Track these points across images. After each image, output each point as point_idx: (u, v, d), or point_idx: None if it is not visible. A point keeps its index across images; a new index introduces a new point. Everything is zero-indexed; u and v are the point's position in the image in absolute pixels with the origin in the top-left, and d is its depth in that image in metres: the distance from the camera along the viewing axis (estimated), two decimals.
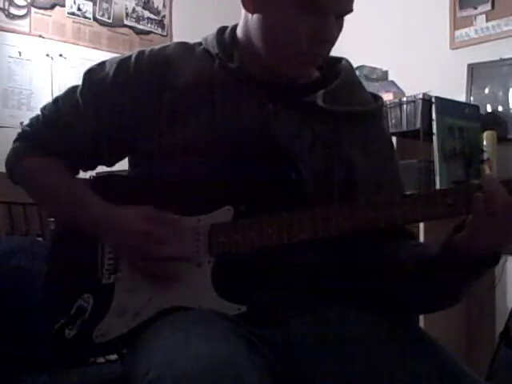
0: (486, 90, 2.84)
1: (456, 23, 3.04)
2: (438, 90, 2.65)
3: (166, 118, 1.14)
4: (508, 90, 2.78)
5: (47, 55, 3.14)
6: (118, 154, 1.23)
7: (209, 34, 1.22)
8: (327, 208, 1.03)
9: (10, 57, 3.04)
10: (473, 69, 2.87)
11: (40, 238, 2.23)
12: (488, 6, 2.92)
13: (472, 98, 2.86)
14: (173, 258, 1.09)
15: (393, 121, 2.63)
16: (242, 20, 1.17)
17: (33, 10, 3.12)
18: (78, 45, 3.26)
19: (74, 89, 1.23)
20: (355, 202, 1.04)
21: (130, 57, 1.20)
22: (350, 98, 1.20)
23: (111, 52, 3.22)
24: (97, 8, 3.35)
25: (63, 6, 3.23)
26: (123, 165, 1.26)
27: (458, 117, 2.57)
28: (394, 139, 2.27)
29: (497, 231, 0.96)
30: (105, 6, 3.37)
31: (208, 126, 1.12)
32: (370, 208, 1.01)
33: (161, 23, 3.60)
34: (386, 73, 3.19)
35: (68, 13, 3.25)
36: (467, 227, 0.98)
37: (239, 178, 1.09)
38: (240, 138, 1.11)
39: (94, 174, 1.29)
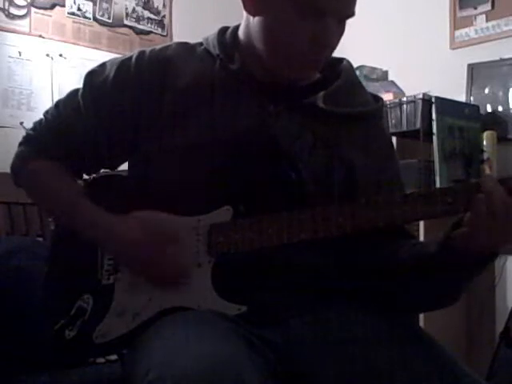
0: (486, 90, 2.84)
1: (456, 23, 3.04)
2: (437, 90, 2.64)
3: (167, 118, 1.14)
4: (508, 90, 2.78)
5: (47, 55, 3.13)
6: (119, 155, 1.22)
7: (210, 35, 1.22)
8: (327, 208, 1.03)
9: (10, 57, 3.04)
10: (473, 69, 2.87)
11: (40, 238, 2.23)
12: (488, 6, 2.92)
13: (472, 98, 2.85)
14: (173, 266, 1.09)
15: (393, 121, 2.63)
16: (244, 22, 1.17)
17: (33, 10, 3.12)
18: (78, 45, 3.25)
19: (75, 92, 1.23)
20: (355, 202, 1.04)
21: (130, 57, 1.20)
22: (351, 98, 1.20)
23: (111, 52, 3.22)
24: (97, 8, 3.34)
25: (63, 6, 3.23)
26: (123, 165, 1.26)
27: (458, 117, 2.57)
28: (394, 139, 2.28)
29: (495, 230, 0.96)
30: (105, 5, 3.37)
31: (208, 127, 1.12)
32: (370, 208, 1.01)
33: (161, 23, 3.60)
34: (386, 73, 3.18)
35: (68, 13, 3.24)
36: (466, 225, 0.99)
37: (239, 178, 1.09)
38: (240, 139, 1.11)
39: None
